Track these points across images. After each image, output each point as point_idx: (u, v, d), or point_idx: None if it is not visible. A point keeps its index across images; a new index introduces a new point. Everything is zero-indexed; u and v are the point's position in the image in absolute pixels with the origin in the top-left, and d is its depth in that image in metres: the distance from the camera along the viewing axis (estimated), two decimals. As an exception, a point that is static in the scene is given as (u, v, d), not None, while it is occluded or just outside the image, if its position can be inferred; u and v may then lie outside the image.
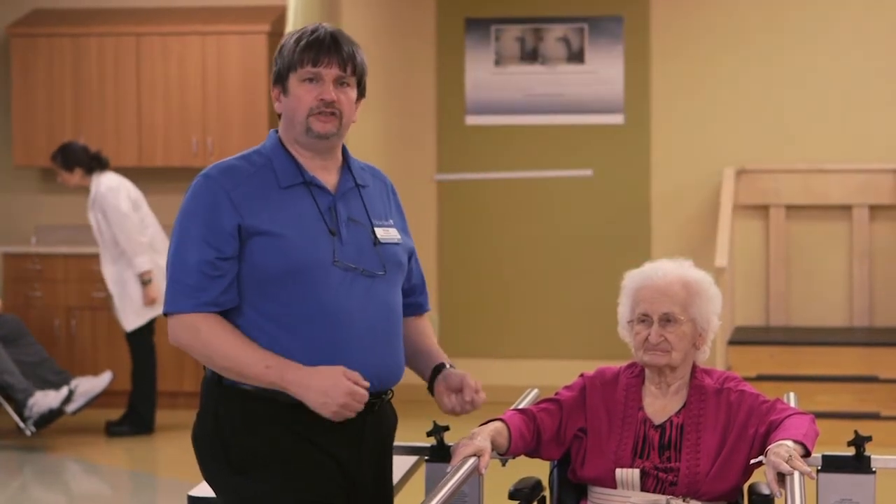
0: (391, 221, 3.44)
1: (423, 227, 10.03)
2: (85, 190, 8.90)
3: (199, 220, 3.25)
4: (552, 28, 9.97)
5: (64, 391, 8.56)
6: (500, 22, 10.00)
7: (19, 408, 8.58)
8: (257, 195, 3.28)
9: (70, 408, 8.61)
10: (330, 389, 3.17)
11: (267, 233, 3.25)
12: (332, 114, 3.30)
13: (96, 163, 8.79)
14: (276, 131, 3.41)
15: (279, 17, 9.67)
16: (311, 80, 3.30)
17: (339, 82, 3.32)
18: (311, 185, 3.32)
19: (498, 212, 10.02)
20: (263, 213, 3.26)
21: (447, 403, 3.43)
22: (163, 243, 8.74)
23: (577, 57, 9.94)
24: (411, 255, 3.51)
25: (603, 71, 9.90)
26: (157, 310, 8.71)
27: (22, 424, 8.56)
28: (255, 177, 3.30)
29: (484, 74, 10.02)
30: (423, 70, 10.08)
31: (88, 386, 8.72)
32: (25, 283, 9.53)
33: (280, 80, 3.35)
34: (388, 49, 10.06)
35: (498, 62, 10.01)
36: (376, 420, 3.37)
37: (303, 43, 3.31)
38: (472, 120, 10.04)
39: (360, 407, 3.21)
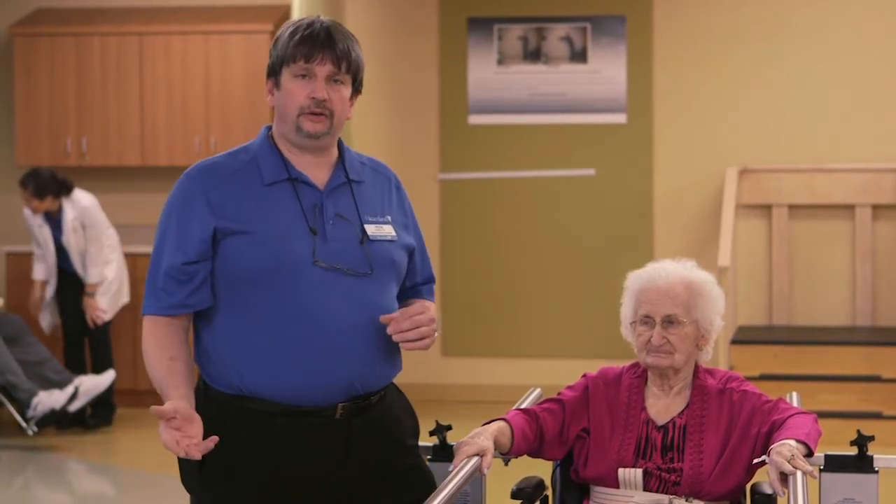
0: (388, 218, 3.36)
1: (425, 226, 9.91)
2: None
3: (173, 224, 3.26)
4: (555, 27, 9.96)
5: (69, 390, 8.57)
6: (502, 21, 9.99)
7: (22, 407, 8.59)
8: (237, 194, 3.23)
9: (72, 407, 8.62)
10: (165, 439, 3.09)
11: (243, 232, 3.19)
12: (323, 113, 3.24)
13: (64, 188, 8.99)
14: (269, 127, 3.35)
15: (282, 16, 9.67)
16: (303, 76, 3.24)
17: (332, 79, 3.25)
18: (296, 181, 3.26)
19: (500, 211, 10.02)
20: (241, 213, 3.21)
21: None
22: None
23: (579, 56, 9.93)
24: (412, 252, 3.44)
25: (606, 70, 9.90)
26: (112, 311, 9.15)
27: (24, 424, 8.56)
28: (237, 174, 3.25)
29: (487, 74, 10.01)
30: (426, 69, 10.08)
31: (91, 385, 8.73)
32: (28, 282, 9.52)
33: (273, 73, 3.29)
34: (391, 48, 10.06)
35: (501, 61, 10.00)
36: (366, 422, 3.28)
37: (297, 37, 3.24)
38: (474, 119, 10.03)
39: (193, 453, 3.05)
